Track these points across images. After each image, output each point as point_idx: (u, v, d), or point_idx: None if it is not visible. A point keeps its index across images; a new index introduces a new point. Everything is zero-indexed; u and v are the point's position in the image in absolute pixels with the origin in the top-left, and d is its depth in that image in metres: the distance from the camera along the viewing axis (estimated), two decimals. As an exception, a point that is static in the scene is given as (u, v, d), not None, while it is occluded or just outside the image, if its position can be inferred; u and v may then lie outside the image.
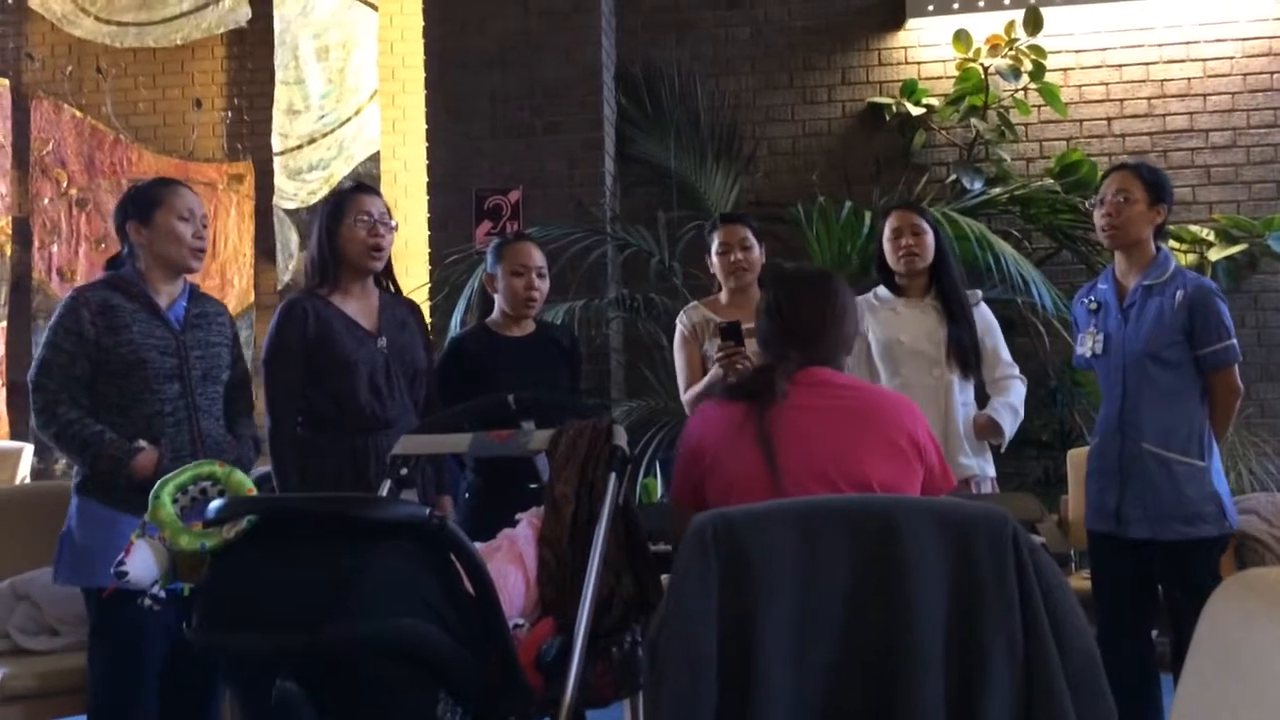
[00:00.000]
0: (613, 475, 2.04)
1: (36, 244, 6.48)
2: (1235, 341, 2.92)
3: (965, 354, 3.19)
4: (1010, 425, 3.22)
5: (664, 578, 1.93)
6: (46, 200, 6.50)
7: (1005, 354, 3.32)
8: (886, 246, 3.26)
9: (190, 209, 2.73)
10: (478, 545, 1.94)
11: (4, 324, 6.46)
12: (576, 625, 1.86)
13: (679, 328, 3.35)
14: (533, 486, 2.37)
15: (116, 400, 2.64)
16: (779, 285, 2.24)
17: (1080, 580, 3.47)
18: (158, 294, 2.72)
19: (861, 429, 2.02)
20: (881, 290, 3.32)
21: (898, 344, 3.20)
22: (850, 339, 2.24)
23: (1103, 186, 3.04)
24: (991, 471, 3.24)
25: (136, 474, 2.55)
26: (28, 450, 5.63)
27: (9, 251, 6.51)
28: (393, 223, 2.90)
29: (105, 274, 2.78)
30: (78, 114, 6.47)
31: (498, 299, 3.10)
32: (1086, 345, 3.07)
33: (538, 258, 3.09)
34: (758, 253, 3.29)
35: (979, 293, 3.38)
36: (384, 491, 2.29)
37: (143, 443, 2.60)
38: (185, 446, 2.66)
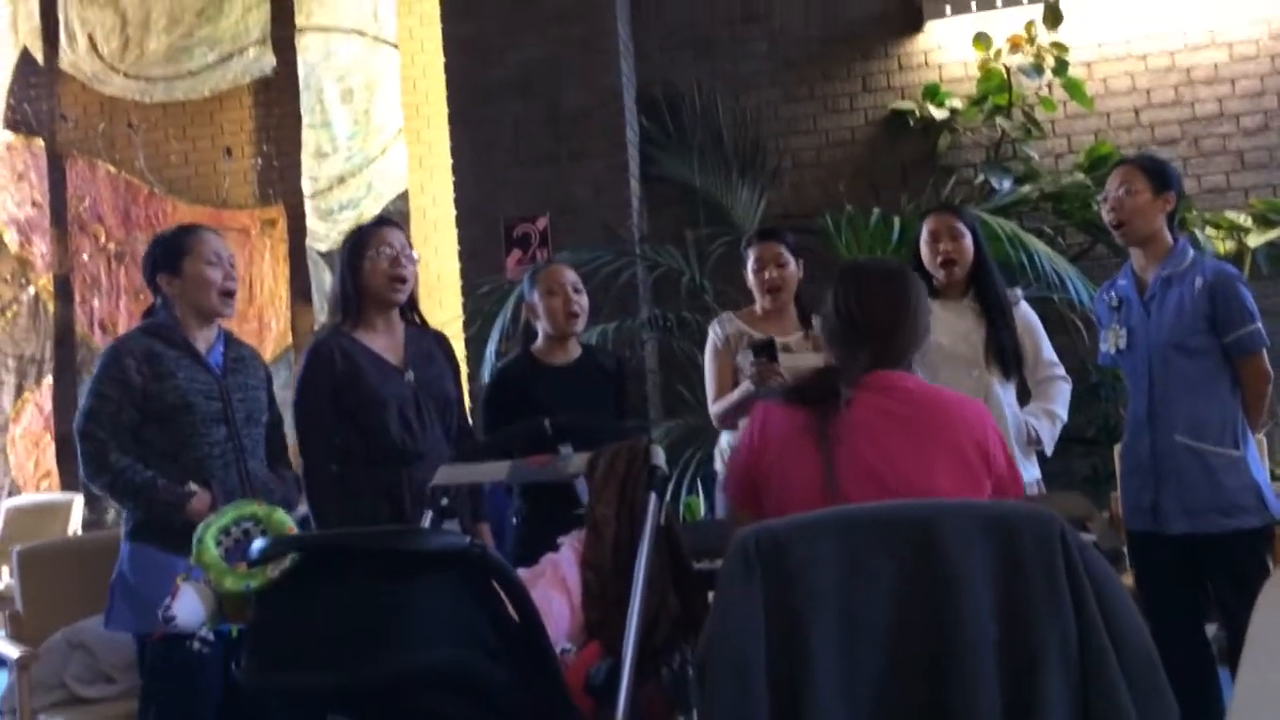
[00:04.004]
0: (652, 495, 2.03)
1: (78, 299, 6.60)
2: (1260, 325, 2.87)
3: (1005, 356, 3.14)
4: (1049, 432, 3.16)
5: (710, 595, 1.91)
6: (86, 256, 6.62)
7: (1048, 353, 3.26)
8: (924, 250, 3.23)
9: (217, 253, 2.77)
10: (520, 571, 1.94)
11: (50, 379, 6.58)
12: (624, 647, 1.84)
13: (711, 338, 3.33)
14: (578, 512, 2.36)
15: (165, 446, 2.67)
16: (850, 279, 2.11)
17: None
18: (195, 340, 2.76)
19: (928, 439, 1.95)
20: (919, 292, 3.29)
21: (937, 347, 3.15)
22: (922, 338, 2.12)
23: (1107, 184, 3.02)
24: (1036, 474, 3.19)
25: (193, 517, 2.57)
26: (78, 501, 5.72)
27: (52, 308, 6.64)
28: (415, 255, 2.92)
29: (143, 323, 2.83)
30: (112, 169, 6.60)
31: (540, 326, 3.11)
32: (1110, 342, 3.03)
33: (570, 276, 3.10)
34: (793, 268, 3.27)
35: (1019, 291, 3.34)
36: (426, 523, 2.29)
37: (194, 486, 2.63)
38: (236, 488, 2.68)
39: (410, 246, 2.93)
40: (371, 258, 2.84)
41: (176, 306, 2.76)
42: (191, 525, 2.52)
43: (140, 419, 2.66)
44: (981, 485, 1.96)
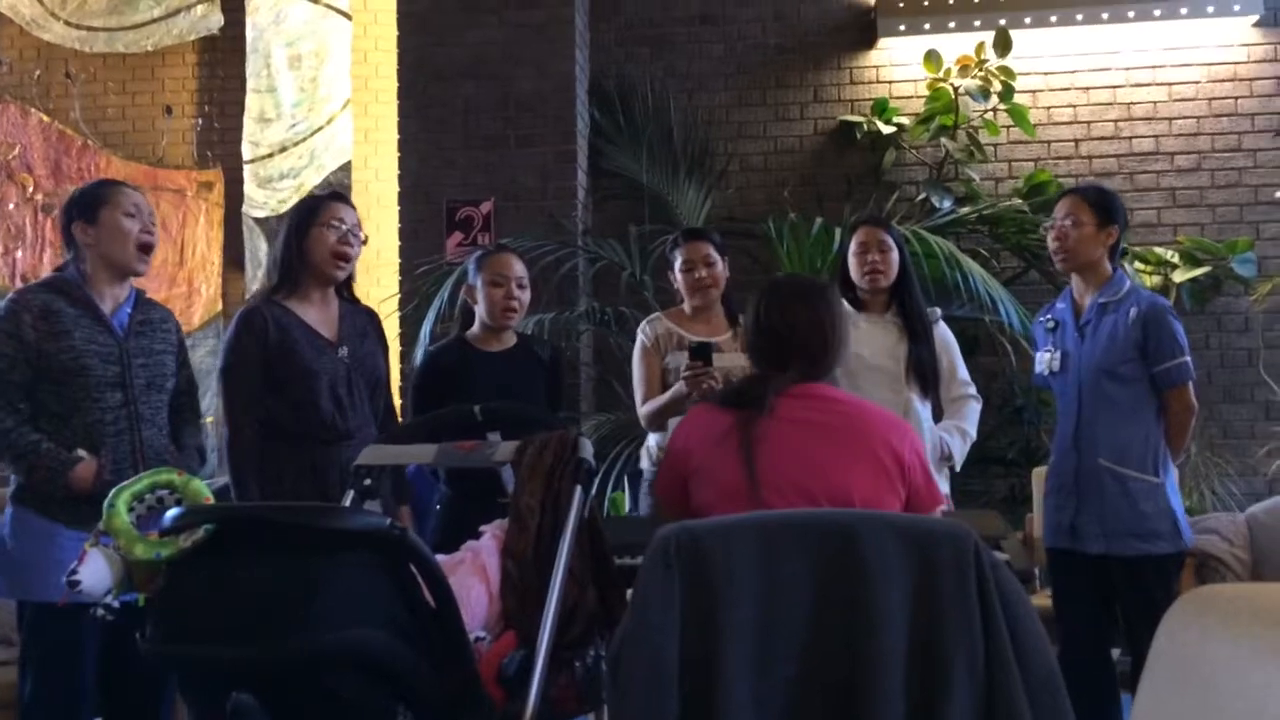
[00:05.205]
0: (578, 488, 2.03)
1: (1, 249, 6.39)
2: (1189, 359, 2.96)
3: (925, 373, 3.20)
4: (960, 449, 3.23)
5: (628, 592, 1.92)
6: (11, 205, 6.42)
7: (962, 373, 3.33)
8: (852, 261, 3.27)
9: (136, 205, 2.69)
10: (441, 558, 1.92)
11: (-35, 330, 6.37)
12: (539, 639, 1.84)
13: (640, 338, 3.33)
14: (503, 500, 2.35)
15: (56, 408, 2.58)
16: (774, 298, 2.18)
17: (1044, 598, 3.48)
18: (101, 298, 2.66)
19: (846, 443, 2.01)
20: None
21: (857, 359, 3.19)
22: (844, 349, 2.20)
23: (1054, 210, 3.09)
24: (945, 489, 3.25)
25: (74, 485, 2.50)
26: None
27: (-28, 256, 6.42)
28: (362, 236, 2.87)
29: (48, 276, 2.73)
30: (45, 119, 6.40)
31: (478, 311, 3.08)
32: (1044, 363, 3.12)
33: (518, 268, 3.07)
34: (721, 268, 3.29)
35: (938, 311, 3.40)
36: (348, 502, 2.26)
37: (82, 452, 2.54)
38: (126, 457, 2.60)
39: (360, 226, 2.88)
40: (320, 229, 2.78)
41: (88, 259, 2.66)
42: (72, 493, 2.47)
43: (34, 378, 2.57)
44: (895, 492, 2.02)
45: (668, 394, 3.15)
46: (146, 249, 2.69)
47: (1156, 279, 4.69)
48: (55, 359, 2.56)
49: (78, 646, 2.49)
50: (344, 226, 2.80)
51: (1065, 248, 3.02)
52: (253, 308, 2.79)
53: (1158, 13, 4.95)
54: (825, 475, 1.96)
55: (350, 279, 2.92)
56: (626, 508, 4.18)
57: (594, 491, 2.11)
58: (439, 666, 1.71)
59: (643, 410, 3.27)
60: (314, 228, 2.78)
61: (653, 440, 3.33)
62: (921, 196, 5.02)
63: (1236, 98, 5.01)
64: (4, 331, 2.56)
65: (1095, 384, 2.97)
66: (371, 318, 2.98)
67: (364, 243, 2.88)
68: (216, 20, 6.28)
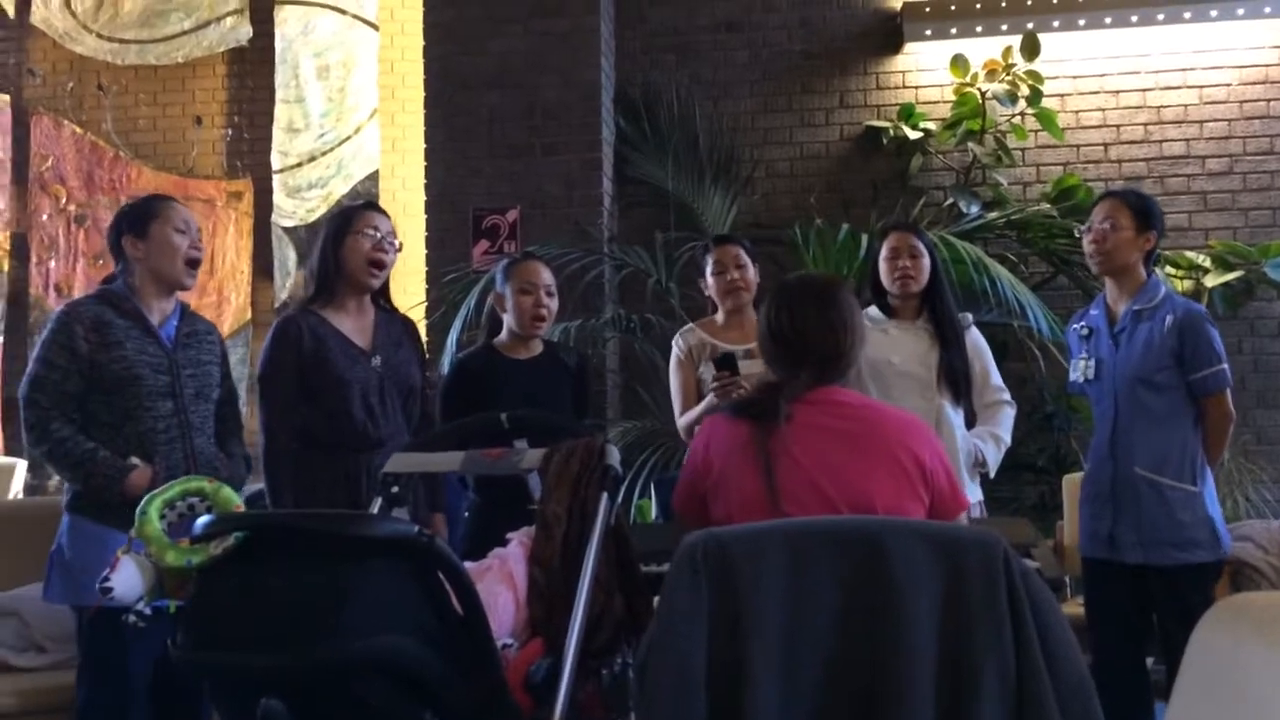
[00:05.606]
0: (604, 495, 2.03)
1: (34, 260, 6.48)
2: (1227, 366, 2.92)
3: (956, 379, 3.18)
4: (994, 455, 3.20)
5: (655, 599, 1.91)
6: (45, 216, 6.50)
7: (996, 378, 3.30)
8: (882, 267, 3.26)
9: (185, 221, 2.75)
10: (468, 565, 1.93)
11: (0, 339, 6.45)
12: (566, 646, 1.84)
13: (674, 351, 3.34)
14: (531, 508, 2.36)
15: (106, 418, 2.63)
16: (782, 300, 2.14)
17: (1075, 606, 3.45)
18: (150, 311, 2.71)
19: (865, 449, 1.99)
20: (873, 311, 3.30)
21: (887, 365, 3.18)
22: (861, 348, 2.15)
23: (1092, 214, 3.06)
24: (979, 495, 3.23)
25: (130, 492, 2.53)
26: (21, 466, 5.61)
27: (6, 267, 6.51)
28: (397, 243, 2.90)
29: (97, 289, 2.78)
30: (78, 130, 6.49)
31: (506, 319, 3.10)
32: (1079, 370, 3.09)
33: (546, 276, 3.09)
34: (752, 272, 3.29)
35: (969, 316, 3.37)
36: (375, 509, 2.28)
37: (136, 460, 2.59)
38: (179, 464, 2.65)
39: (394, 234, 2.91)
40: (355, 236, 2.82)
41: (137, 273, 2.72)
42: (128, 500, 2.50)
43: (86, 388, 2.62)
44: (918, 496, 1.99)
45: (701, 405, 3.16)
46: (194, 264, 2.76)
47: (1188, 284, 4.64)
48: (108, 369, 2.61)
49: (126, 654, 2.52)
50: (378, 234, 2.83)
51: (1102, 250, 3.00)
52: (289, 317, 2.84)
53: (1187, 15, 4.90)
54: (845, 482, 1.95)
55: (386, 286, 2.95)
56: (653, 515, 4.18)
57: (620, 499, 2.11)
58: (467, 674, 1.71)
59: (680, 422, 3.29)
60: (349, 236, 2.82)
61: None
62: (949, 202, 4.99)
63: (1268, 100, 4.96)
64: (57, 343, 2.61)
65: (1131, 392, 2.94)
66: (407, 326, 3.02)
67: (399, 250, 2.91)
68: (245, 32, 6.35)
